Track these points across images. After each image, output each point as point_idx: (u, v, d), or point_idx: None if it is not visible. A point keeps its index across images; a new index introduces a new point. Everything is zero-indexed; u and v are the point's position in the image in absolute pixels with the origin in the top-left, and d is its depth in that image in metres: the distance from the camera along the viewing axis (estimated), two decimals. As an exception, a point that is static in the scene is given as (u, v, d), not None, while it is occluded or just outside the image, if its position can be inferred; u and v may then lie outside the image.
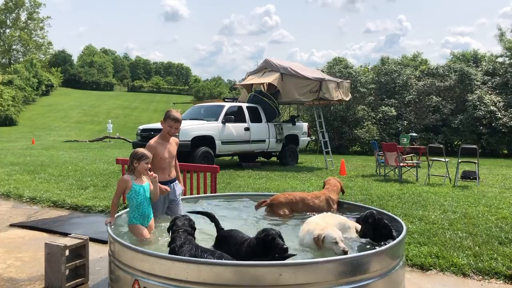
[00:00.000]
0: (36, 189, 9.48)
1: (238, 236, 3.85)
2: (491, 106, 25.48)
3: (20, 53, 78.02)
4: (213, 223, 4.24)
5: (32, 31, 78.92)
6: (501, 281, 4.49)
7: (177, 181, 5.03)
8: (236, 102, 16.24)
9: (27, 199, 8.58)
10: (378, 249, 3.46)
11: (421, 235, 5.89)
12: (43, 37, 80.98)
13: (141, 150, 4.35)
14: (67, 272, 4.19)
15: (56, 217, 7.19)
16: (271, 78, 15.26)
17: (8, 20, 76.37)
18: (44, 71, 69.96)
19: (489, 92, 26.89)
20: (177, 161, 5.08)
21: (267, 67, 16.13)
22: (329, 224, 4.03)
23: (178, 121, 4.79)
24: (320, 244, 3.78)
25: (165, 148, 4.83)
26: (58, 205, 8.09)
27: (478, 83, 27.75)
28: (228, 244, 3.80)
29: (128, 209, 4.39)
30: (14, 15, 76.79)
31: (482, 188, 10.56)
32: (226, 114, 14.11)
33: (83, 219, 7.08)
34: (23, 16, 78.06)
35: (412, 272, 4.76)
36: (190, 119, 14.45)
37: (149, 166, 4.35)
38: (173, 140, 4.97)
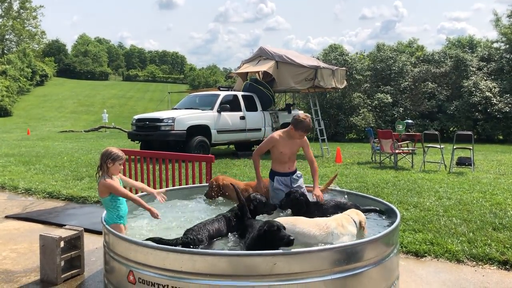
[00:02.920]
0: (31, 180, 9.45)
1: (256, 226, 3.74)
2: (486, 92, 25.52)
3: (13, 43, 77.14)
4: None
5: (25, 21, 77.96)
6: (495, 267, 4.53)
7: (298, 173, 5.10)
8: (231, 90, 16.17)
9: (22, 191, 8.56)
10: (372, 237, 3.47)
11: (416, 222, 5.92)
12: (36, 26, 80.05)
13: (115, 150, 4.14)
14: (62, 263, 4.19)
15: (52, 208, 7.18)
16: (266, 66, 15.19)
17: (0, 10, 75.49)
18: (38, 61, 69.46)
19: (485, 78, 26.91)
20: (310, 158, 5.11)
21: (262, 55, 16.04)
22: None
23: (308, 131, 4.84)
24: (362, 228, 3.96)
25: (286, 144, 4.91)
26: (54, 196, 8.08)
27: (474, 69, 27.76)
28: (246, 232, 3.83)
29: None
30: (6, 4, 75.74)
31: (477, 174, 10.60)
32: (221, 103, 14.06)
33: (78, 210, 7.08)
34: (16, 5, 77.06)
35: (407, 259, 4.79)
36: (185, 109, 14.41)
37: (122, 167, 4.20)
38: (300, 141, 4.95)
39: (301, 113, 4.94)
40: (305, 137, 4.98)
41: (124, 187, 4.28)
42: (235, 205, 4.40)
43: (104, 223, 3.89)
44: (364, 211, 4.46)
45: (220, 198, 5.40)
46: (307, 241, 3.62)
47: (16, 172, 10.60)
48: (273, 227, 3.32)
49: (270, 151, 5.06)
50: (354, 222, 3.96)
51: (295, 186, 4.98)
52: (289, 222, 3.73)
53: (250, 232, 3.69)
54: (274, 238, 3.26)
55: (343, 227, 3.83)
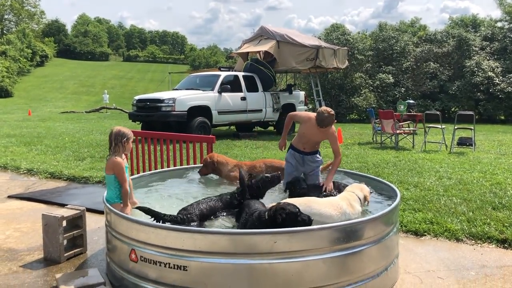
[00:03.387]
0: (33, 160, 9.48)
1: (252, 206, 3.77)
2: (489, 72, 25.35)
3: (12, 22, 76.63)
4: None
5: (24, 0, 77.28)
6: (493, 245, 4.57)
7: (317, 157, 5.09)
8: (232, 71, 16.09)
9: (25, 171, 8.59)
10: (371, 216, 3.50)
11: (416, 201, 5.95)
12: (35, 6, 79.47)
13: (128, 130, 4.22)
14: (65, 242, 4.23)
15: (54, 188, 7.22)
16: (267, 46, 15.08)
17: (-2, -11, 74.73)
18: (38, 41, 69.03)
19: (487, 58, 26.69)
20: (337, 151, 5.02)
21: (263, 34, 15.91)
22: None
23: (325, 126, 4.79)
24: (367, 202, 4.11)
25: (312, 128, 4.89)
26: (56, 177, 8.11)
27: (477, 48, 27.53)
28: (242, 212, 3.81)
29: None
30: (4, -17, 75.10)
31: (478, 154, 10.61)
32: (222, 84, 13.99)
33: (80, 190, 7.12)
34: (14, -15, 76.37)
35: (406, 238, 4.83)
36: (186, 89, 14.35)
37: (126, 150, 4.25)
38: (326, 133, 4.89)
39: (324, 108, 4.83)
40: (334, 130, 4.93)
41: None
42: (235, 188, 4.38)
43: (105, 202, 3.92)
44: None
45: (215, 178, 5.46)
46: (324, 221, 3.63)
47: (18, 153, 10.63)
48: (293, 213, 3.33)
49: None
50: (359, 199, 4.02)
51: (307, 169, 5.04)
52: (303, 203, 3.73)
53: (247, 212, 3.67)
54: (295, 223, 3.29)
55: (352, 207, 3.89)
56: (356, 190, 4.12)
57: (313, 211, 3.68)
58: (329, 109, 4.83)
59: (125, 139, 4.15)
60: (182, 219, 3.65)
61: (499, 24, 31.71)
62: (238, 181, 4.34)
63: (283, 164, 5.39)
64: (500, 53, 27.07)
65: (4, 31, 72.48)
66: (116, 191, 4.15)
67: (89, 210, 5.29)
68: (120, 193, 4.14)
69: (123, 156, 4.25)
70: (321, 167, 5.23)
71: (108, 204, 3.80)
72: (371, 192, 4.61)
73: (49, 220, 4.15)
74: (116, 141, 4.13)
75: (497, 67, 25.79)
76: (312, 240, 3.11)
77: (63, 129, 17.01)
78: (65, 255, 4.20)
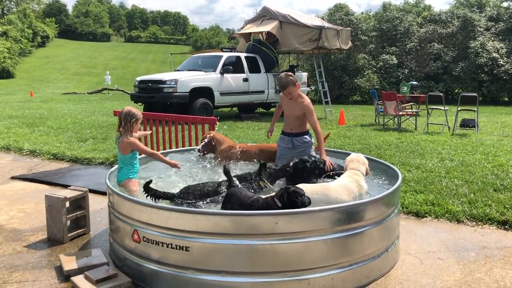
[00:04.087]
0: (36, 142, 9.51)
1: (245, 195, 3.60)
2: (493, 53, 25.09)
3: (12, 2, 75.95)
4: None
5: (24, -20, 76.52)
6: (494, 227, 4.59)
7: (305, 138, 5.07)
8: (234, 52, 15.98)
9: (27, 152, 8.63)
10: (373, 197, 3.51)
11: (418, 183, 5.96)
12: (35, -14, 78.69)
13: (136, 110, 4.34)
14: (68, 223, 4.28)
15: (57, 170, 7.26)
16: (270, 26, 14.92)
17: (-2, -32, 73.86)
18: (39, 21, 68.53)
19: (492, 39, 26.39)
20: (314, 124, 4.96)
21: (265, 14, 15.73)
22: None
23: (282, 88, 4.88)
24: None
25: (288, 104, 5.03)
26: (58, 158, 8.15)
27: (481, 29, 27.19)
28: (232, 203, 3.59)
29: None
30: (4, -38, 74.23)
31: (480, 136, 10.58)
32: (224, 65, 13.91)
33: (83, 171, 7.15)
34: (14, -36, 75.51)
35: (407, 219, 4.86)
36: (188, 70, 14.29)
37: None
38: (301, 103, 4.93)
39: (283, 73, 4.98)
40: (308, 103, 4.95)
41: None
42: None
43: (117, 181, 4.11)
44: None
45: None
46: None
47: (20, 134, 10.66)
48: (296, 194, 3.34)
49: None
50: (363, 174, 4.03)
51: (297, 151, 5.01)
52: (319, 191, 3.71)
53: (240, 203, 3.52)
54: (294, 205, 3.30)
55: (361, 187, 3.89)
56: (359, 166, 4.08)
57: (330, 199, 3.66)
58: (288, 73, 4.95)
59: (134, 119, 4.26)
60: (178, 197, 3.70)
61: (504, 4, 31.24)
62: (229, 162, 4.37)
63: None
64: (505, 34, 26.74)
65: (5, 11, 71.93)
66: (131, 168, 4.29)
67: (92, 191, 5.32)
68: (133, 169, 4.29)
69: (135, 135, 4.36)
70: (313, 147, 5.21)
71: (110, 185, 3.83)
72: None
73: (52, 201, 4.18)
74: (126, 121, 4.24)
75: (502, 48, 25.51)
76: (313, 222, 3.12)
77: (65, 110, 17.01)
78: (69, 235, 4.24)
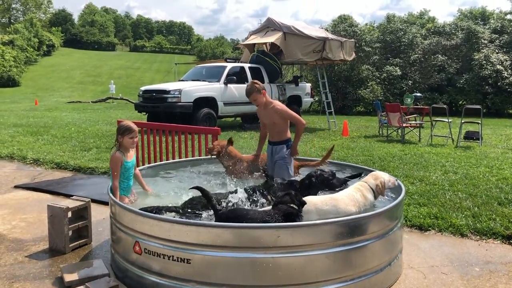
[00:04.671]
0: (40, 150, 9.53)
1: (252, 215, 3.41)
2: (497, 65, 25.06)
3: (19, 12, 76.83)
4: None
5: (31, -11, 77.33)
6: (499, 241, 4.55)
7: (278, 146, 5.06)
8: (238, 62, 16.04)
9: (31, 161, 8.64)
10: (376, 211, 3.49)
11: (421, 196, 5.93)
12: (42, -5, 79.45)
13: (125, 123, 4.21)
14: (70, 233, 4.27)
15: (60, 179, 7.27)
16: (274, 37, 14.99)
17: (6, -22, 74.69)
18: (45, 31, 69.05)
19: (496, 51, 26.39)
20: (293, 117, 4.99)
21: (269, 26, 15.81)
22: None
23: (246, 96, 4.99)
24: (383, 190, 4.01)
25: (262, 114, 5.15)
26: (62, 167, 8.16)
27: (485, 41, 27.19)
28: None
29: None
30: (12, -27, 75.09)
31: (484, 148, 10.54)
32: (228, 75, 13.97)
33: (86, 181, 7.15)
34: (22, -26, 76.36)
35: (411, 232, 4.82)
36: (192, 80, 14.34)
37: (135, 140, 4.24)
38: (272, 108, 4.99)
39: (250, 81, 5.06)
40: (278, 104, 5.01)
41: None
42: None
43: (109, 192, 3.97)
44: (348, 179, 4.62)
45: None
46: None
47: (24, 143, 10.69)
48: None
49: None
50: (371, 188, 4.01)
51: (273, 159, 5.09)
52: (330, 203, 3.72)
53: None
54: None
55: (365, 198, 3.89)
56: (369, 179, 4.10)
57: (340, 210, 3.67)
58: (254, 81, 5.03)
59: (119, 133, 4.18)
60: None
61: (508, 17, 31.29)
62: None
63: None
64: (510, 46, 26.71)
65: (12, 21, 72.61)
66: (120, 184, 4.23)
67: (94, 201, 5.32)
68: (122, 185, 4.23)
69: (131, 151, 4.26)
70: (293, 162, 5.17)
71: (112, 195, 3.83)
72: (360, 174, 4.69)
73: (55, 211, 4.18)
74: (117, 134, 4.22)
75: (506, 60, 25.48)
76: (316, 235, 3.11)
77: (69, 119, 17.07)
78: (70, 245, 4.23)
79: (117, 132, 4.20)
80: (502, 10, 35.00)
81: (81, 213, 4.41)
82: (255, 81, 5.03)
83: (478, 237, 4.65)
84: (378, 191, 4.00)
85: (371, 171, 5.01)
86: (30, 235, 4.68)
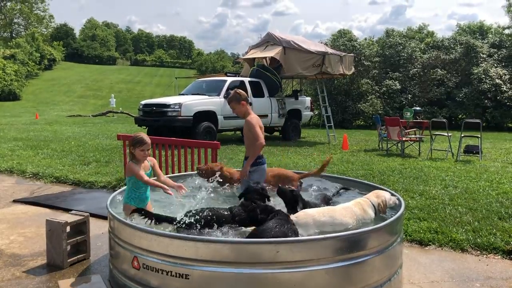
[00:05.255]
0: (39, 164, 9.53)
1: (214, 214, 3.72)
2: (496, 79, 25.19)
3: (21, 26, 77.26)
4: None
5: (33, 4, 77.89)
6: (499, 256, 4.52)
7: (245, 161, 5.05)
8: (238, 76, 16.12)
9: (30, 175, 8.64)
10: (375, 226, 3.47)
11: (421, 210, 5.91)
12: (44, 10, 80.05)
13: (138, 135, 4.24)
14: (68, 248, 4.24)
15: (59, 193, 7.25)
16: (274, 52, 15.09)
17: (8, -7, 75.35)
18: (46, 45, 69.44)
19: (495, 65, 26.55)
20: (251, 139, 4.92)
21: (269, 40, 15.93)
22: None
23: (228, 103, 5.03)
24: (385, 208, 4.01)
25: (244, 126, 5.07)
26: (61, 181, 8.15)
27: (484, 55, 27.37)
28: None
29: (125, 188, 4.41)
30: (14, -12, 75.78)
31: (484, 162, 10.53)
32: (228, 89, 14.00)
33: (85, 195, 7.14)
34: (24, -11, 77.05)
35: (411, 247, 4.80)
36: (192, 94, 14.40)
37: (147, 153, 4.27)
38: (246, 120, 4.96)
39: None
40: (250, 118, 4.90)
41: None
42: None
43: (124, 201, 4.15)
44: (334, 194, 4.70)
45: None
46: (342, 230, 3.62)
47: (24, 157, 10.69)
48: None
49: None
50: (373, 205, 4.01)
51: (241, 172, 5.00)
52: (327, 214, 3.75)
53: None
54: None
55: (365, 212, 3.89)
56: (371, 197, 4.12)
57: (337, 221, 3.69)
58: (237, 90, 5.00)
59: (131, 145, 4.24)
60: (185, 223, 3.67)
61: (507, 31, 31.60)
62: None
63: (287, 173, 5.43)
64: (508, 61, 26.89)
65: (14, 35, 73.11)
66: (131, 193, 4.27)
67: (93, 215, 5.30)
68: (132, 194, 4.26)
69: (145, 162, 4.31)
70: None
71: (111, 213, 3.81)
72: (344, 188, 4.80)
73: (53, 225, 4.16)
74: (129, 147, 4.28)
75: (505, 75, 25.62)
76: (315, 250, 3.09)
77: (69, 133, 17.09)
78: (68, 260, 4.21)
79: (129, 144, 4.25)
80: (500, 24, 35.34)
81: (80, 228, 4.39)
82: (239, 90, 4.97)
83: (478, 252, 4.63)
84: (380, 210, 4.01)
85: (372, 186, 5.02)
86: (28, 250, 4.66)
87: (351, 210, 3.86)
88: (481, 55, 27.29)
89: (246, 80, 15.04)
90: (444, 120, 12.47)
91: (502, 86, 25.02)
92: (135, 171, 4.18)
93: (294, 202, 4.27)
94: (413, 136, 13.02)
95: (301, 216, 3.77)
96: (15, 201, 6.77)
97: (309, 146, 14.12)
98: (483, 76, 25.53)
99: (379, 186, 5.02)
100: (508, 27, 31.71)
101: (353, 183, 5.40)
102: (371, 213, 3.95)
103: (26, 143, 13.16)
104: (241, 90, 5.08)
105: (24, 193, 7.32)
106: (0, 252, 4.60)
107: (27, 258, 4.44)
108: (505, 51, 27.45)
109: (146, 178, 4.22)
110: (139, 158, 4.24)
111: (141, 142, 4.20)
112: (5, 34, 76.35)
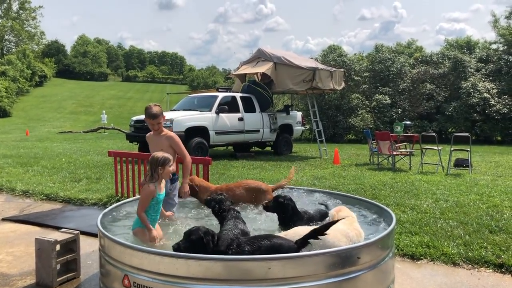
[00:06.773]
0: (29, 182, 9.44)
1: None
2: (484, 93, 25.53)
3: (12, 43, 77.17)
4: None
5: (24, 21, 78.02)
6: (491, 270, 4.53)
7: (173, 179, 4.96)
8: (229, 92, 16.19)
9: (20, 192, 8.55)
10: (367, 241, 3.47)
11: (413, 224, 5.92)
12: (35, 27, 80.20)
13: (162, 154, 4.09)
14: (58, 267, 4.19)
15: (49, 211, 7.18)
16: (265, 67, 15.19)
17: (-1, 10, 75.46)
18: (37, 61, 69.42)
19: (483, 79, 26.92)
20: (181, 154, 4.97)
21: (260, 56, 16.05)
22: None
23: (152, 118, 4.78)
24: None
25: (153, 140, 4.95)
26: (51, 198, 8.07)
27: (472, 70, 27.76)
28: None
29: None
30: (5, 4, 75.87)
31: (474, 176, 10.61)
32: (219, 105, 14.06)
33: (75, 212, 7.07)
34: (15, 6, 77.24)
35: (402, 261, 4.80)
36: (184, 110, 14.41)
37: (174, 168, 4.16)
38: (166, 137, 4.89)
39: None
40: (172, 133, 4.92)
41: None
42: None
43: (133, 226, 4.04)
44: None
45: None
46: None
47: (14, 174, 10.59)
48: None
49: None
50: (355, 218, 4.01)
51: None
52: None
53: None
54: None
55: (356, 229, 3.85)
56: (350, 213, 4.11)
57: (327, 243, 3.54)
58: (156, 104, 4.88)
59: (160, 165, 4.03)
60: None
61: (493, 46, 32.06)
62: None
63: (260, 185, 5.40)
64: (495, 75, 27.31)
65: (4, 52, 72.96)
66: (148, 216, 4.07)
67: (83, 233, 5.25)
68: (150, 218, 4.08)
69: (164, 182, 4.20)
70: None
71: (101, 230, 3.77)
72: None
73: (43, 244, 4.11)
74: (153, 168, 4.04)
75: (493, 89, 25.99)
76: (307, 266, 3.08)
77: (60, 150, 16.99)
78: (58, 280, 4.15)
79: (156, 165, 4.00)
80: (487, 39, 35.88)
81: (70, 246, 4.34)
82: (157, 104, 4.87)
83: (470, 265, 4.64)
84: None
85: (363, 200, 5.04)
86: (17, 270, 4.59)
87: (344, 232, 3.74)
88: (469, 69, 27.68)
89: (238, 95, 15.12)
90: (434, 134, 12.59)
91: (491, 100, 25.35)
92: (147, 200, 4.01)
93: (292, 215, 4.26)
94: (403, 150, 13.11)
95: (290, 235, 3.68)
96: (4, 219, 6.69)
97: (300, 160, 14.15)
98: (472, 90, 25.86)
99: (371, 201, 5.04)
100: (495, 42, 32.20)
101: (345, 198, 5.41)
102: (362, 231, 3.91)
103: (16, 160, 13.05)
104: (157, 103, 4.97)
105: (13, 211, 7.24)
106: (-12, 271, 4.53)
107: (16, 277, 4.38)
108: (492, 65, 27.88)
109: (142, 210, 4.02)
110: (166, 176, 4.13)
111: (169, 160, 4.10)
112: (-4, 51, 76.23)
